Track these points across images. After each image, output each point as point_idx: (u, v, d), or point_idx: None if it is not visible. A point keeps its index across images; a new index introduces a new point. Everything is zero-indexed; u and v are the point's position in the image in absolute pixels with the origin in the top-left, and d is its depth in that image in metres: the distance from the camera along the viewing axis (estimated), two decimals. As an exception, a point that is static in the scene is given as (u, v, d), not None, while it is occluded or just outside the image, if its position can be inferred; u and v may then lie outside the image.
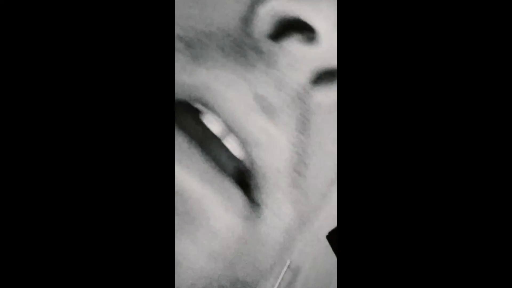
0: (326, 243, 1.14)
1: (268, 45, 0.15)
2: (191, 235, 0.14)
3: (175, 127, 0.14)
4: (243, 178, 0.16)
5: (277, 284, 1.11)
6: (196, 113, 0.15)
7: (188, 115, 0.15)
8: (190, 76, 0.14)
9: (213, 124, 0.15)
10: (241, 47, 0.15)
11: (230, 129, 0.15)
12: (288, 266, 1.14)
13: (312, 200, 0.17)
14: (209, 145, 0.15)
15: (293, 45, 0.15)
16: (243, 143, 0.15)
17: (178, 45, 0.14)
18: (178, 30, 0.14)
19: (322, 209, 0.19)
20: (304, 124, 0.15)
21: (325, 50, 0.14)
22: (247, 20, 0.15)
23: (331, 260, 1.15)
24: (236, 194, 0.15)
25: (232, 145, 0.15)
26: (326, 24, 0.14)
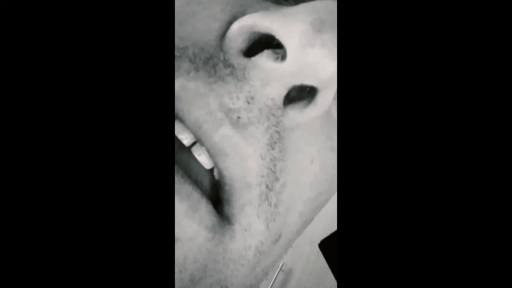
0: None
1: (239, 60, 0.15)
2: None
3: None
4: (212, 190, 0.15)
5: (269, 286, 1.11)
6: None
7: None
8: None
9: (181, 133, 0.15)
10: (212, 60, 0.15)
11: (198, 139, 0.14)
12: (281, 268, 1.14)
13: (286, 218, 0.16)
14: (177, 153, 0.15)
15: (264, 61, 0.15)
16: (210, 153, 0.14)
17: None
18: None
19: (299, 228, 0.18)
20: (277, 140, 0.15)
21: (294, 68, 0.14)
22: (222, 36, 0.15)
23: (323, 262, 1.15)
24: (203, 204, 0.14)
25: (200, 155, 0.15)
26: (295, 42, 0.14)
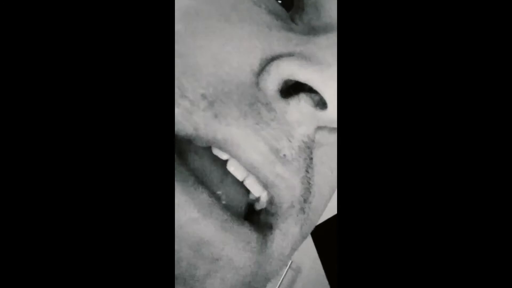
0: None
1: (279, 104, 0.17)
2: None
3: (196, 179, 0.16)
4: (259, 208, 0.19)
5: (278, 284, 1.12)
6: (224, 161, 0.18)
7: (207, 162, 0.18)
8: (212, 132, 0.16)
9: (236, 169, 0.17)
10: (255, 104, 0.16)
11: (251, 174, 0.17)
12: (290, 266, 1.15)
13: (313, 220, 0.20)
14: (229, 186, 0.18)
15: (302, 105, 0.17)
16: (263, 185, 0.17)
17: (202, 103, 0.16)
18: (200, 89, 0.16)
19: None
20: (310, 164, 0.18)
21: (333, 117, 0.16)
22: (259, 74, 0.17)
23: (331, 260, 1.16)
24: (253, 237, 0.17)
25: (252, 187, 0.18)
26: (331, 92, 0.16)
